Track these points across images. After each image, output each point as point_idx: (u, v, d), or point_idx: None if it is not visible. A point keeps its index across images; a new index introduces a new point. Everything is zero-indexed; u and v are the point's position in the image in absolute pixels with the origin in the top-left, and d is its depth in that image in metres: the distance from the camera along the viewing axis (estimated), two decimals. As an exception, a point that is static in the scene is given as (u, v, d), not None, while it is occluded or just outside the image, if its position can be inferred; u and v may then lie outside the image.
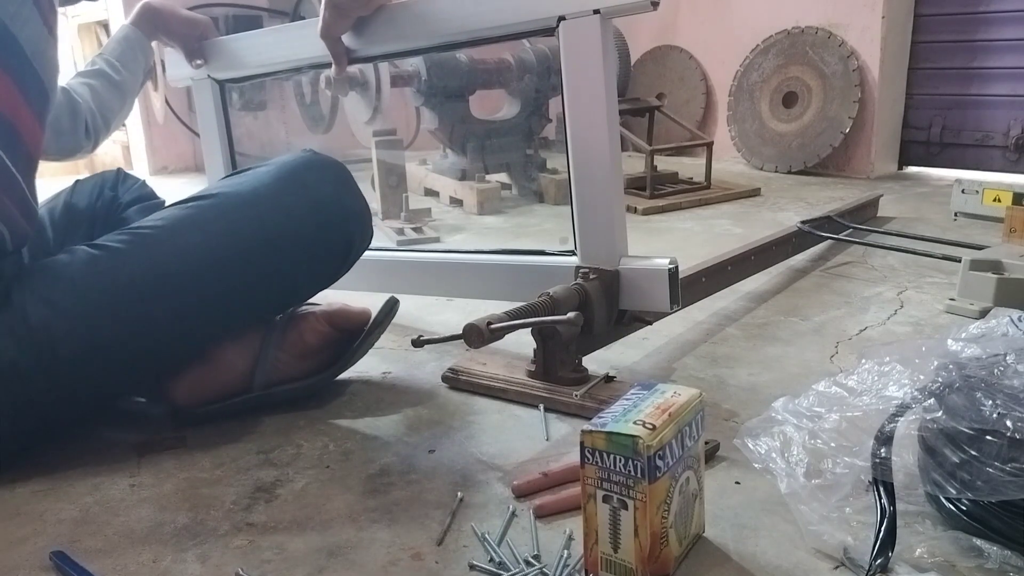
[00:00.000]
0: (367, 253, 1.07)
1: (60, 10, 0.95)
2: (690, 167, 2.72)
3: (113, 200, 1.15)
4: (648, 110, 2.70)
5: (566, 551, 0.69)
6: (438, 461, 0.88)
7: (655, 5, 0.96)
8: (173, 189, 2.85)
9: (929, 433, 0.70)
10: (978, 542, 0.66)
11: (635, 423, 0.63)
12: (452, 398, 1.05)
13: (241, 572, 0.68)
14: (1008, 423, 0.63)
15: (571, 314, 0.92)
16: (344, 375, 1.10)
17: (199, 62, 1.39)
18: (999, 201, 1.90)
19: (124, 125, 3.39)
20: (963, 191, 2.00)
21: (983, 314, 1.27)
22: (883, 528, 0.68)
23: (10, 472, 0.86)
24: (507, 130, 2.49)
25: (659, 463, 0.62)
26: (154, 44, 1.37)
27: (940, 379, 0.71)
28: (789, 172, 2.92)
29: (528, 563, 0.68)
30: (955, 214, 2.03)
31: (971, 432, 0.65)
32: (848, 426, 0.74)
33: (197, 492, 0.82)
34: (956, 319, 1.30)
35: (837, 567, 0.67)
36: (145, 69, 1.33)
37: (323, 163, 1.01)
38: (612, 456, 0.62)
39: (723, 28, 3.25)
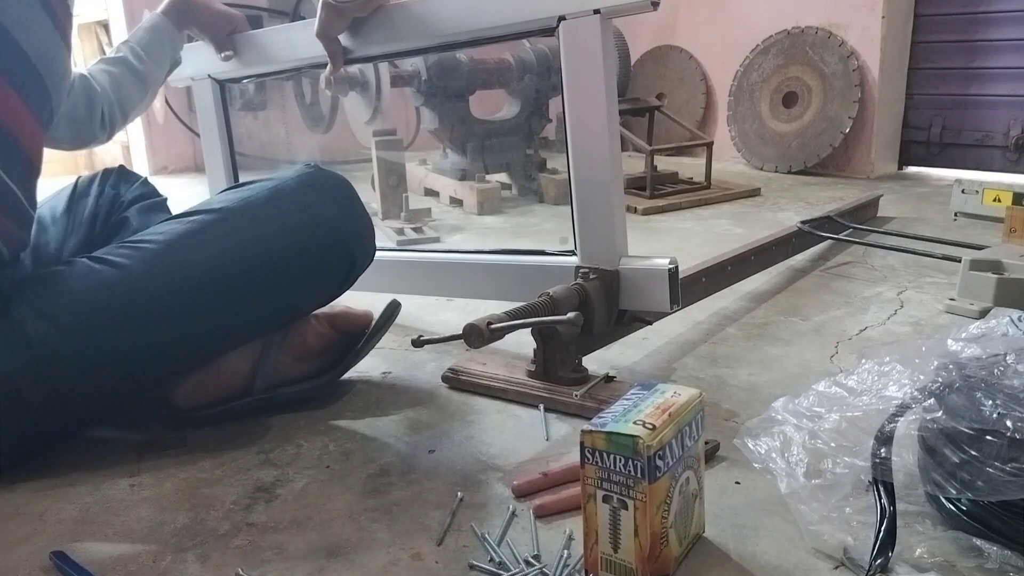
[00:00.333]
0: (368, 253, 1.07)
1: None
2: (690, 167, 2.72)
3: (115, 198, 1.14)
4: (648, 110, 2.70)
5: (566, 551, 0.69)
6: (438, 461, 0.88)
7: (655, 5, 0.96)
8: (173, 189, 2.86)
9: (929, 433, 0.70)
10: (978, 542, 0.66)
11: (635, 423, 0.63)
12: (452, 398, 1.05)
13: (241, 572, 0.68)
14: (1008, 423, 0.63)
15: (571, 314, 0.92)
16: (344, 375, 1.10)
17: (229, 53, 1.35)
18: (999, 201, 1.90)
19: (124, 125, 3.39)
20: (963, 191, 2.00)
21: (983, 314, 1.27)
22: (883, 528, 0.68)
23: (10, 472, 0.86)
24: (507, 130, 2.49)
25: (659, 463, 0.62)
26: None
27: (940, 379, 0.71)
28: (789, 172, 2.92)
29: (528, 563, 0.68)
30: (955, 214, 2.03)
31: (971, 432, 0.65)
32: (848, 426, 0.74)
33: (197, 492, 0.82)
34: (956, 319, 1.30)
35: (837, 567, 0.67)
36: (172, 60, 1.30)
37: (326, 181, 1.00)
38: (612, 456, 0.62)
39: (723, 28, 3.25)
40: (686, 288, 1.13)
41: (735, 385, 1.06)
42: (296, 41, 1.29)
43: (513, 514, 0.76)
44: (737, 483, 0.81)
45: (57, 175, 2.65)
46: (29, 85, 0.88)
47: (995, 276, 1.32)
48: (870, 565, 0.65)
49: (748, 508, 0.76)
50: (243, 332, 0.97)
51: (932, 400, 0.70)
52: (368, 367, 1.14)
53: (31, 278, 0.92)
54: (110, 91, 1.19)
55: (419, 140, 3.03)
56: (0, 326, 0.83)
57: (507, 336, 0.95)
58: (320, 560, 0.70)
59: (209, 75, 1.44)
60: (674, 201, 2.34)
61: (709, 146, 2.52)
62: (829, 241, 1.75)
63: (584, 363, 1.04)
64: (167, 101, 3.18)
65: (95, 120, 1.16)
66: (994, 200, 1.92)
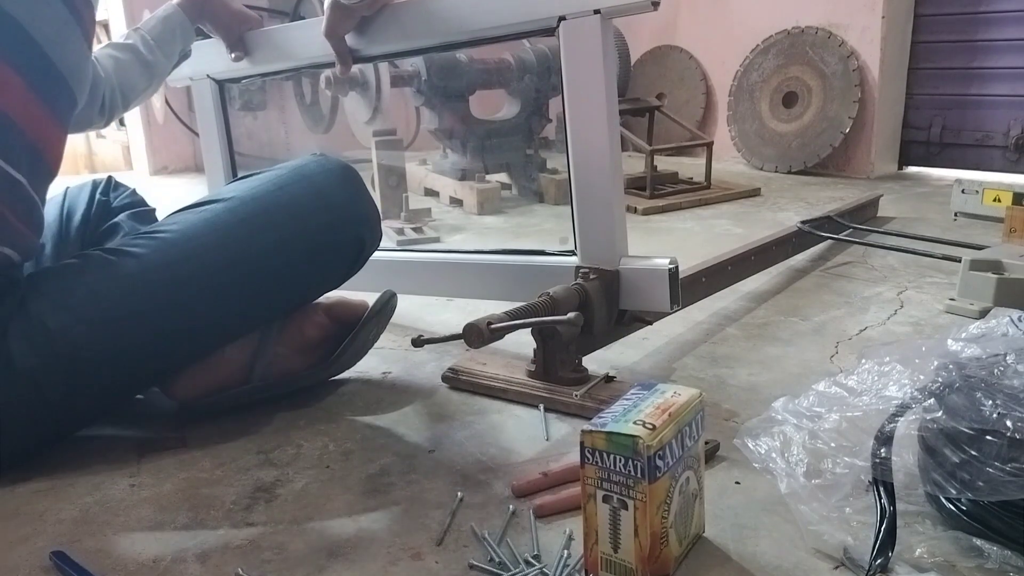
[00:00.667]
0: (368, 254, 1.08)
1: None
2: (690, 167, 2.72)
3: (106, 205, 1.15)
4: (648, 110, 2.70)
5: (566, 551, 0.69)
6: (438, 461, 0.88)
7: (655, 5, 0.96)
8: (173, 189, 2.86)
9: (929, 433, 0.70)
10: (978, 542, 0.66)
11: (635, 423, 0.63)
12: (452, 398, 1.05)
13: (241, 572, 0.68)
14: (1008, 423, 0.63)
15: (571, 314, 0.92)
16: (344, 375, 1.10)
17: (239, 55, 1.35)
18: (999, 201, 1.90)
19: (124, 124, 3.39)
20: (963, 191, 2.00)
21: (983, 314, 1.27)
22: (883, 528, 0.68)
23: (10, 472, 0.86)
24: (507, 130, 2.49)
25: (659, 463, 0.62)
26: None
27: (940, 379, 0.71)
28: (789, 172, 2.92)
29: (528, 563, 0.68)
30: (955, 214, 2.03)
31: (971, 432, 0.65)
32: (848, 426, 0.74)
33: (197, 492, 0.82)
34: (956, 319, 1.30)
35: (837, 567, 0.67)
36: (182, 53, 1.29)
37: (334, 167, 1.02)
38: (612, 456, 0.62)
39: (723, 28, 3.25)
40: (686, 288, 1.13)
41: (735, 385, 1.06)
42: (304, 39, 1.28)
43: (513, 514, 0.76)
44: (737, 483, 0.81)
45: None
46: (61, 100, 0.89)
47: (995, 276, 1.32)
48: (870, 565, 0.65)
49: (748, 508, 0.76)
50: (257, 315, 0.98)
51: (932, 400, 0.70)
52: (368, 367, 1.14)
53: (45, 272, 0.93)
54: (113, 76, 1.18)
55: (419, 140, 3.03)
56: (18, 322, 0.84)
57: (507, 336, 0.95)
58: (320, 560, 0.70)
59: (208, 75, 1.44)
60: (674, 201, 2.34)
61: (709, 146, 2.52)
62: (829, 241, 1.75)
63: (584, 363, 1.04)
64: (167, 101, 3.18)
65: (95, 105, 1.15)
66: (994, 200, 1.92)
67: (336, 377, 1.09)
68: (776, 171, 2.95)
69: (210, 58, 1.39)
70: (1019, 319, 0.81)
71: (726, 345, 1.22)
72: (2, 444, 0.85)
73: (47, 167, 0.90)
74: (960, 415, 0.67)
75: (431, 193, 2.58)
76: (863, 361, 0.81)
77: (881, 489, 0.71)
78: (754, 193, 2.49)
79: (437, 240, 1.99)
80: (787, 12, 3.00)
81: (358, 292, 1.11)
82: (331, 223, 0.99)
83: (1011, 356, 0.71)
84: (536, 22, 1.04)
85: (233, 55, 1.35)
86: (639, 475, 0.61)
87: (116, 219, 1.12)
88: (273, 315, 1.00)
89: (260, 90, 2.93)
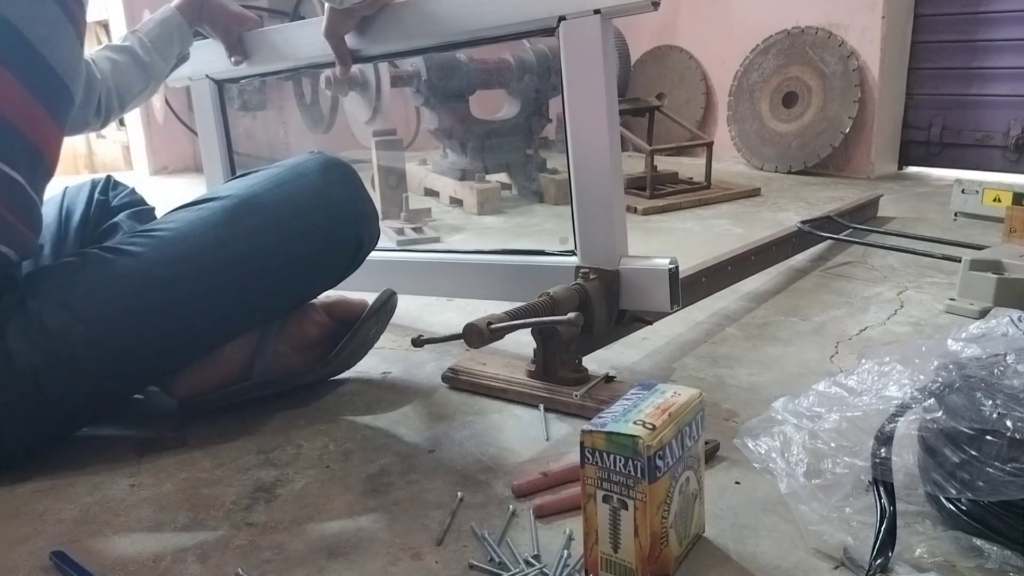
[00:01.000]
0: (367, 253, 1.08)
1: None
2: (690, 167, 2.72)
3: (105, 204, 1.15)
4: (648, 110, 2.70)
5: (566, 551, 0.69)
6: (438, 461, 0.88)
7: (655, 5, 0.96)
8: (173, 189, 2.86)
9: (929, 433, 0.70)
10: (978, 542, 0.66)
11: (635, 423, 0.63)
12: (452, 398, 1.05)
13: (241, 572, 0.68)
14: (1008, 423, 0.63)
15: (571, 314, 0.92)
16: (344, 374, 1.10)
17: (238, 58, 1.35)
18: (999, 201, 1.90)
19: (123, 124, 3.39)
20: (963, 191, 2.00)
21: (983, 314, 1.27)
22: (883, 528, 0.68)
23: (10, 472, 0.86)
24: (507, 130, 2.49)
25: (659, 463, 0.62)
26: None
27: (940, 379, 0.71)
28: (789, 172, 2.92)
29: (528, 563, 0.68)
30: (955, 214, 2.03)
31: (971, 432, 0.65)
32: (848, 426, 0.74)
33: (197, 492, 0.82)
34: (956, 319, 1.30)
35: (837, 567, 0.67)
36: (180, 55, 1.29)
37: (333, 165, 1.02)
38: (612, 456, 0.62)
39: (723, 28, 3.25)
40: (686, 288, 1.13)
41: (735, 385, 1.06)
42: (304, 40, 1.28)
43: (513, 514, 0.76)
44: (737, 483, 0.81)
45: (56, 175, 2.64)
46: (57, 99, 0.89)
47: (995, 276, 1.32)
48: (870, 565, 0.65)
49: (748, 508, 0.76)
50: (256, 312, 0.98)
51: (932, 400, 0.70)
52: (368, 367, 1.14)
53: (44, 270, 0.93)
54: (110, 78, 1.18)
55: (419, 140, 3.03)
56: (17, 320, 0.84)
57: (507, 336, 0.95)
58: (320, 560, 0.70)
59: (207, 75, 1.44)
60: (674, 201, 2.34)
61: (709, 146, 2.52)
62: (829, 241, 1.75)
63: (584, 363, 1.04)
64: (167, 101, 3.18)
65: (91, 106, 1.16)
66: (994, 200, 1.92)
67: (336, 377, 1.09)
68: (776, 171, 2.95)
69: (209, 58, 1.39)
70: (1019, 319, 0.81)
71: (726, 345, 1.22)
72: (2, 443, 0.85)
73: (45, 166, 0.90)
74: (960, 415, 0.67)
75: (431, 193, 2.58)
76: (863, 361, 0.81)
77: (881, 489, 0.71)
78: (754, 193, 2.49)
79: (437, 240, 1.99)
80: (787, 12, 3.00)
81: (358, 292, 1.11)
82: (329, 221, 0.99)
83: (1011, 356, 0.71)
84: (536, 22, 1.04)
85: (232, 59, 1.35)
86: (639, 475, 0.61)
87: (115, 218, 1.12)
88: (271, 313, 1.00)
89: (259, 90, 2.93)
